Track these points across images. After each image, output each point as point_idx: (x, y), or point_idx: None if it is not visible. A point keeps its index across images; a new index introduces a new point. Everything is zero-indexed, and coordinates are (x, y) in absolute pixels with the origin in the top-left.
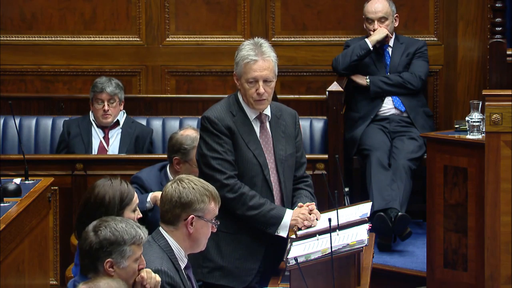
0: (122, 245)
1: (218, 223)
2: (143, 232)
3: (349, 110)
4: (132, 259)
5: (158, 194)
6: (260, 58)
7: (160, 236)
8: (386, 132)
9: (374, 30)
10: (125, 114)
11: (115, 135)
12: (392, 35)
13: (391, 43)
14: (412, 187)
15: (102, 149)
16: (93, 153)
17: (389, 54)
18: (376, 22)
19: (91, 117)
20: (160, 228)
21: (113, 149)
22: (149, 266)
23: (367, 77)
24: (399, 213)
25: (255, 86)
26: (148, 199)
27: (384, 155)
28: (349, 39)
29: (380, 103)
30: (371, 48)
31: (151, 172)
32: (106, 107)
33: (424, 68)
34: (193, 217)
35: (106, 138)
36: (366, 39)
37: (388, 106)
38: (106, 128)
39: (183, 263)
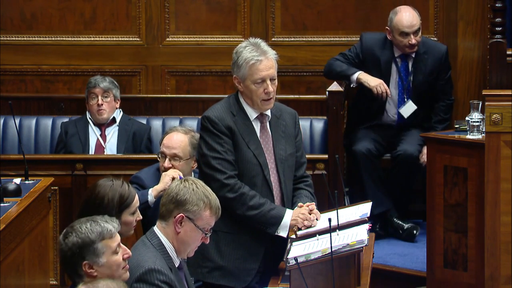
0: (91, 245)
1: (210, 234)
2: (111, 224)
3: (349, 120)
4: (109, 253)
5: (159, 187)
6: (264, 58)
7: (154, 235)
8: (381, 135)
9: (409, 43)
10: (121, 112)
11: (112, 132)
12: (420, 41)
13: (413, 54)
14: (412, 187)
15: (99, 146)
16: (90, 150)
17: (408, 68)
18: (412, 35)
19: (88, 116)
20: (155, 227)
21: (111, 146)
22: (142, 265)
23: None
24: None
25: (263, 86)
26: (150, 191)
27: (370, 144)
28: (348, 38)
29: (380, 115)
30: (353, 85)
31: (149, 172)
32: (100, 101)
33: (451, 81)
34: (182, 216)
35: (103, 136)
36: (357, 76)
37: (391, 114)
38: (102, 126)
39: (176, 263)
